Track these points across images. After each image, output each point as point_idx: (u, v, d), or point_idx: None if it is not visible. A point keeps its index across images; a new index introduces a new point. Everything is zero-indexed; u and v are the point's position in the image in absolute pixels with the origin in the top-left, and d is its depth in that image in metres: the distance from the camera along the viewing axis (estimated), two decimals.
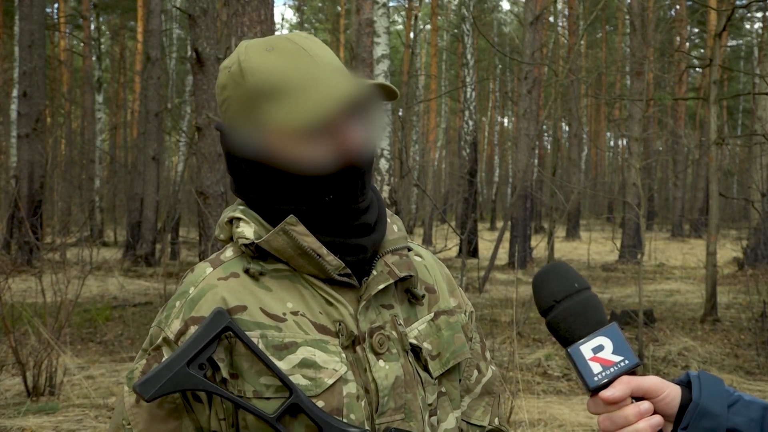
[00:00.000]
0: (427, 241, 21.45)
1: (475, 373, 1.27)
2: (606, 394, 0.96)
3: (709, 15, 22.06)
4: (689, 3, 23.61)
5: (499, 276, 13.78)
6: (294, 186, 1.09)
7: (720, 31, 9.54)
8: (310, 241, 1.08)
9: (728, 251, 17.08)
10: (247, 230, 1.11)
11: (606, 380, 0.97)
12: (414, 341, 1.15)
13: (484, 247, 18.73)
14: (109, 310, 9.43)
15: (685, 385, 1.02)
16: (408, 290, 1.19)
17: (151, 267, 14.87)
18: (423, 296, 1.20)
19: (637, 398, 0.98)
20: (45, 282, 6.65)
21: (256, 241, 1.10)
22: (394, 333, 1.13)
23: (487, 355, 1.31)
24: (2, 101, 21.65)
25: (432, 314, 1.20)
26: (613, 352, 0.98)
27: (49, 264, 7.54)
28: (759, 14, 29.45)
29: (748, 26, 32.48)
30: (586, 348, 0.98)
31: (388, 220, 1.20)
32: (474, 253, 16.66)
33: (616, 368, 0.97)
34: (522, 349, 7.46)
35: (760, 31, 30.60)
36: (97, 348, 7.68)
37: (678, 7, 24.25)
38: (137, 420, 1.06)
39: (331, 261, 1.09)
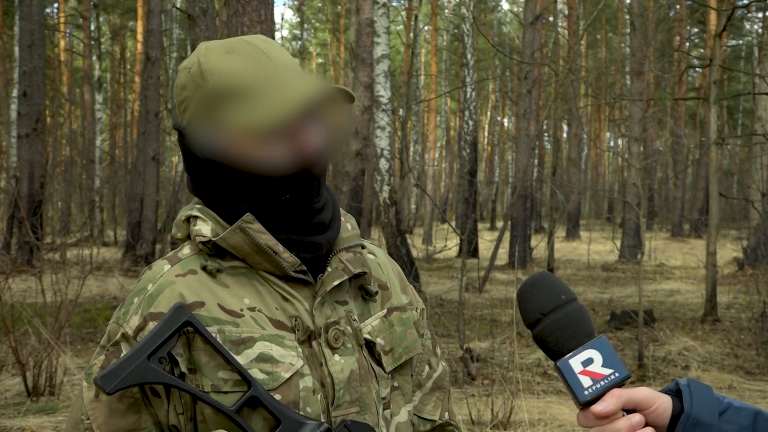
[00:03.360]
0: (427, 241, 21.45)
1: (426, 368, 1.30)
2: (597, 408, 0.95)
3: (709, 15, 22.07)
4: (689, 3, 23.61)
5: (499, 276, 13.77)
6: (251, 185, 1.12)
7: (720, 31, 9.54)
8: (267, 239, 1.11)
9: (728, 251, 17.08)
10: (205, 228, 1.13)
11: (596, 394, 0.96)
12: (368, 336, 1.18)
13: (484, 247, 18.73)
14: (109, 310, 9.43)
15: (675, 394, 1.02)
16: (361, 287, 1.22)
17: None
18: (376, 293, 1.23)
19: (629, 410, 0.97)
20: (45, 282, 6.64)
21: (213, 239, 1.12)
22: (348, 328, 1.15)
23: (438, 351, 1.35)
24: (2, 101, 21.64)
25: (385, 310, 1.23)
26: (603, 365, 0.97)
27: (49, 264, 7.55)
28: (759, 14, 29.44)
29: (748, 26, 32.48)
30: (575, 361, 0.97)
31: (342, 218, 1.23)
32: (474, 253, 16.66)
33: (606, 381, 0.96)
34: (522, 349, 7.45)
35: (760, 31, 30.60)
36: (96, 348, 7.67)
37: (678, 7, 24.25)
38: (96, 414, 1.07)
39: (287, 258, 1.11)
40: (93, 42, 25.45)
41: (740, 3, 12.16)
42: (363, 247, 1.27)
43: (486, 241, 18.85)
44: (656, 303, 10.94)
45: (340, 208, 1.24)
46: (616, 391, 0.96)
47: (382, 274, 1.28)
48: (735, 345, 7.99)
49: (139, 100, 18.35)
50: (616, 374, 0.96)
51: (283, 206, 1.13)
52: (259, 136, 1.09)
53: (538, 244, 17.13)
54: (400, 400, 1.21)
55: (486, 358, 7.06)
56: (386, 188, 9.75)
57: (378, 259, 1.30)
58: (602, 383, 0.96)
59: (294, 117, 1.08)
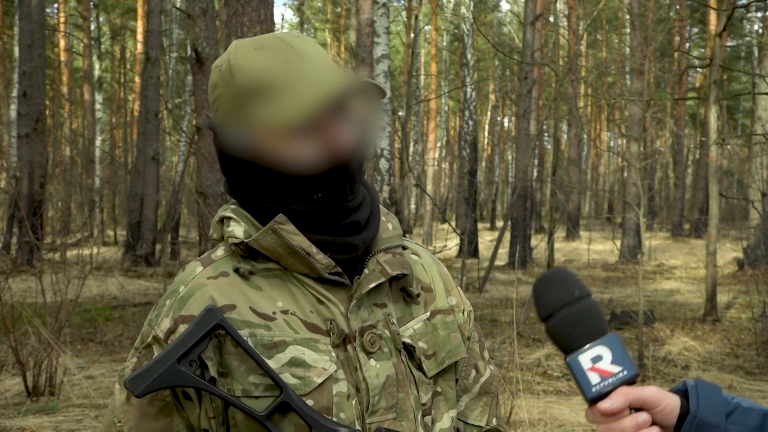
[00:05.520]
0: (427, 241, 21.45)
1: (473, 372, 1.26)
2: (604, 405, 0.95)
3: (709, 15, 22.06)
4: (689, 3, 23.61)
5: (499, 276, 13.78)
6: (283, 185, 1.09)
7: (720, 31, 9.54)
8: (300, 240, 1.08)
9: (728, 251, 17.08)
10: (237, 229, 1.11)
11: (604, 391, 0.96)
12: (408, 340, 1.14)
13: (484, 247, 18.73)
14: (109, 310, 9.43)
15: (683, 394, 1.01)
16: (403, 289, 1.18)
17: (151, 267, 14.87)
18: (418, 295, 1.20)
19: (636, 409, 0.97)
20: (45, 282, 6.64)
21: (245, 240, 1.10)
22: (386, 332, 1.12)
23: (486, 354, 1.30)
24: (2, 101, 21.64)
25: (428, 313, 1.19)
26: (612, 362, 0.96)
27: (49, 264, 7.54)
28: (759, 14, 29.42)
29: (748, 26, 32.48)
30: (584, 358, 0.97)
31: (383, 218, 1.19)
32: (474, 253, 16.66)
33: (614, 379, 0.96)
34: (522, 349, 7.45)
35: (760, 31, 30.60)
36: (97, 348, 7.68)
37: (678, 7, 24.26)
38: (127, 418, 1.07)
39: (321, 260, 1.09)
40: (93, 42, 25.44)
41: (740, 3, 12.15)
42: (405, 248, 1.23)
43: (486, 241, 18.86)
44: (656, 303, 10.94)
45: (382, 208, 1.20)
46: (623, 389, 0.96)
47: (425, 275, 1.24)
48: (735, 345, 7.99)
49: (139, 100, 18.35)
50: (625, 372, 0.96)
51: (316, 205, 1.10)
52: (286, 133, 1.07)
53: (538, 244, 17.13)
54: (442, 405, 1.18)
55: None
56: (386, 188, 9.75)
57: (422, 260, 1.26)
58: (610, 380, 0.96)
59: (319, 111, 1.05)
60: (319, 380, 1.05)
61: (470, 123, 18.47)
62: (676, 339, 8.08)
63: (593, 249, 19.58)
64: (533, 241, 17.81)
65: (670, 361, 7.25)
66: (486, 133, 38.42)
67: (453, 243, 19.87)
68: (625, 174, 25.46)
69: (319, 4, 36.87)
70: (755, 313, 8.41)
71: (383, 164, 10.00)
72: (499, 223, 30.60)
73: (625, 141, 30.51)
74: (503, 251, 16.36)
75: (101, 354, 7.36)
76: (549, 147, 30.16)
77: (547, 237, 13.77)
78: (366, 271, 1.13)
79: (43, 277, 6.72)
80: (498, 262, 14.42)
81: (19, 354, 5.64)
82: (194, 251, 16.83)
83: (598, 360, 0.97)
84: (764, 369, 6.97)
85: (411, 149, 25.12)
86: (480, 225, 24.18)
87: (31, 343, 6.10)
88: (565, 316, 0.99)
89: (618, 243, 18.01)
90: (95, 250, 13.20)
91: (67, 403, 5.46)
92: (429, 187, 28.94)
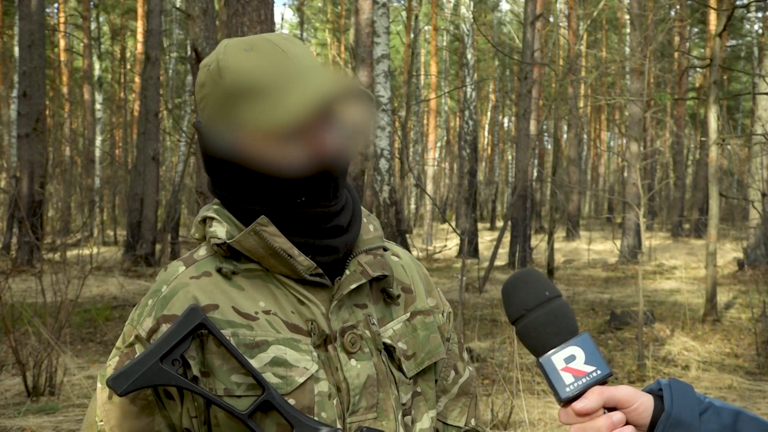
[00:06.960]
0: (427, 241, 21.45)
1: (452, 373, 1.27)
2: (578, 405, 0.95)
3: (709, 15, 22.07)
4: (689, 3, 23.61)
5: (499, 276, 13.77)
6: (266, 187, 1.10)
7: (720, 31, 9.53)
8: (281, 242, 1.09)
9: (728, 251, 17.08)
10: (220, 230, 1.11)
11: (578, 391, 0.95)
12: (388, 341, 1.16)
13: (484, 247, 18.72)
14: (109, 310, 9.43)
15: (657, 393, 1.01)
16: (384, 290, 1.19)
17: (151, 267, 14.87)
18: (399, 296, 1.21)
19: (610, 408, 0.97)
20: (45, 282, 6.64)
21: (227, 241, 1.10)
22: (367, 332, 1.13)
23: (465, 356, 1.32)
24: (2, 101, 21.63)
25: (408, 314, 1.21)
26: (585, 362, 0.96)
27: (49, 264, 7.54)
28: (759, 14, 29.42)
29: (748, 26, 32.47)
30: (557, 358, 0.97)
31: (364, 219, 1.20)
32: (474, 253, 16.66)
33: (588, 378, 0.95)
34: (522, 349, 7.45)
35: (760, 31, 30.60)
36: (97, 348, 7.68)
37: (678, 7, 24.26)
38: (109, 416, 1.07)
39: (302, 261, 1.10)
40: (93, 42, 25.44)
41: (740, 3, 12.15)
42: (385, 249, 1.24)
43: (486, 241, 18.85)
44: (656, 303, 10.93)
45: (363, 209, 1.22)
46: (597, 389, 0.96)
47: (405, 276, 1.25)
48: (735, 345, 7.99)
49: (139, 100, 18.35)
50: (598, 371, 0.96)
51: (299, 209, 1.10)
52: (273, 137, 1.07)
53: (538, 244, 17.13)
54: (422, 405, 1.19)
55: (486, 358, 7.06)
56: (386, 188, 9.76)
57: (402, 261, 1.27)
58: (584, 380, 0.95)
59: (306, 117, 1.05)
60: (301, 380, 1.06)
61: (470, 123, 18.47)
62: (676, 339, 8.08)
63: (593, 249, 19.58)
64: (533, 241, 17.81)
65: (670, 361, 7.25)
66: (486, 133, 38.42)
67: (453, 243, 19.88)
68: (625, 174, 25.47)
69: (319, 4, 36.86)
70: (755, 313, 8.41)
71: (383, 164, 10.00)
72: (499, 223, 30.59)
73: (625, 141, 30.51)
74: (503, 251, 16.36)
75: (101, 354, 7.36)
76: (549, 147, 30.15)
77: (547, 237, 13.77)
78: (347, 272, 1.14)
79: (43, 277, 6.72)
80: (498, 262, 14.42)
81: (19, 354, 5.64)
82: None
83: (571, 360, 0.96)
84: (764, 369, 6.97)
85: (411, 149, 25.13)
86: (480, 225, 24.17)
87: (31, 343, 6.10)
88: (537, 316, 0.98)
89: (618, 243, 18.00)
90: (95, 250, 13.20)
91: (67, 403, 5.46)
92: (429, 187, 28.94)
